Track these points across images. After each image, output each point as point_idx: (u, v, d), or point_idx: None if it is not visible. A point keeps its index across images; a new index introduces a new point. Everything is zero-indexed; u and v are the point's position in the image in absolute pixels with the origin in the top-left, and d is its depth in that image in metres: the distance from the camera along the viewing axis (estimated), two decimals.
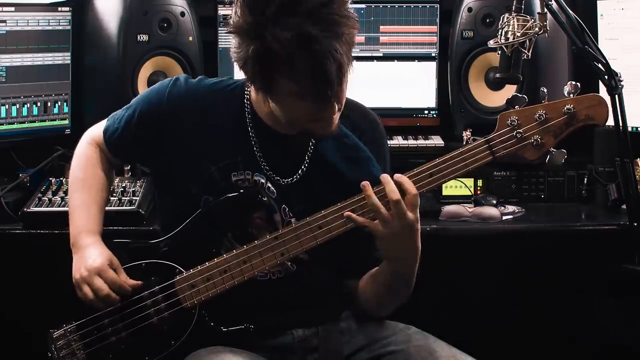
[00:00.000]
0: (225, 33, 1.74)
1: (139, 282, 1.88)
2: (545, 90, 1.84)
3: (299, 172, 1.91)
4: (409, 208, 1.74)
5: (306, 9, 1.61)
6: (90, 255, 1.88)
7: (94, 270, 1.85)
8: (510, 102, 1.83)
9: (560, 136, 1.80)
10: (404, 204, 1.73)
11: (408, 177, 1.79)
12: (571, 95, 1.81)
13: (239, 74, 2.75)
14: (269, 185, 1.90)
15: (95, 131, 2.04)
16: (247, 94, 1.92)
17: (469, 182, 2.71)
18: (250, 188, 1.89)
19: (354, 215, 1.78)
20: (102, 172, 2.01)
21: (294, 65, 1.64)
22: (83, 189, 1.98)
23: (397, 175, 1.77)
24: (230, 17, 1.71)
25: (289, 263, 1.90)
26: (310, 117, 1.77)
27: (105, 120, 2.04)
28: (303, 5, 1.61)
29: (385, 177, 1.77)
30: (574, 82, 1.81)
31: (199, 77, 1.99)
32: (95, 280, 1.84)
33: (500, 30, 2.19)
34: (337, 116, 1.80)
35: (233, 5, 1.70)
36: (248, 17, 1.65)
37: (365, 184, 1.77)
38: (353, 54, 1.73)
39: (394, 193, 1.74)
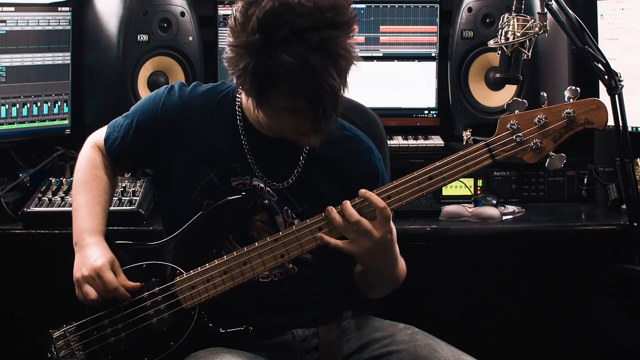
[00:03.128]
0: (227, 44, 1.72)
1: (138, 284, 1.88)
2: (545, 94, 1.84)
3: (295, 173, 1.91)
4: (379, 223, 1.76)
5: (314, 39, 1.61)
6: (92, 255, 1.88)
7: (95, 269, 1.85)
8: (510, 106, 1.83)
9: (560, 140, 1.81)
10: (365, 223, 1.75)
11: (406, 180, 1.80)
12: (571, 100, 1.82)
13: None
14: (268, 189, 1.90)
15: (98, 136, 2.05)
16: (239, 100, 1.92)
17: (469, 182, 2.71)
18: (251, 190, 1.89)
19: (326, 237, 1.80)
20: (104, 175, 2.01)
21: (294, 87, 1.65)
22: (86, 190, 1.99)
23: (362, 191, 1.79)
24: (231, 23, 1.69)
25: (290, 265, 1.90)
26: (296, 131, 1.78)
27: (107, 126, 2.04)
28: (312, 34, 1.61)
29: (345, 203, 1.78)
30: (573, 87, 1.82)
31: (193, 83, 1.98)
32: (96, 280, 1.85)
33: (500, 30, 2.19)
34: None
35: (234, 13, 1.68)
36: (256, 35, 1.63)
37: (329, 208, 1.79)
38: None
39: (351, 216, 1.76)
